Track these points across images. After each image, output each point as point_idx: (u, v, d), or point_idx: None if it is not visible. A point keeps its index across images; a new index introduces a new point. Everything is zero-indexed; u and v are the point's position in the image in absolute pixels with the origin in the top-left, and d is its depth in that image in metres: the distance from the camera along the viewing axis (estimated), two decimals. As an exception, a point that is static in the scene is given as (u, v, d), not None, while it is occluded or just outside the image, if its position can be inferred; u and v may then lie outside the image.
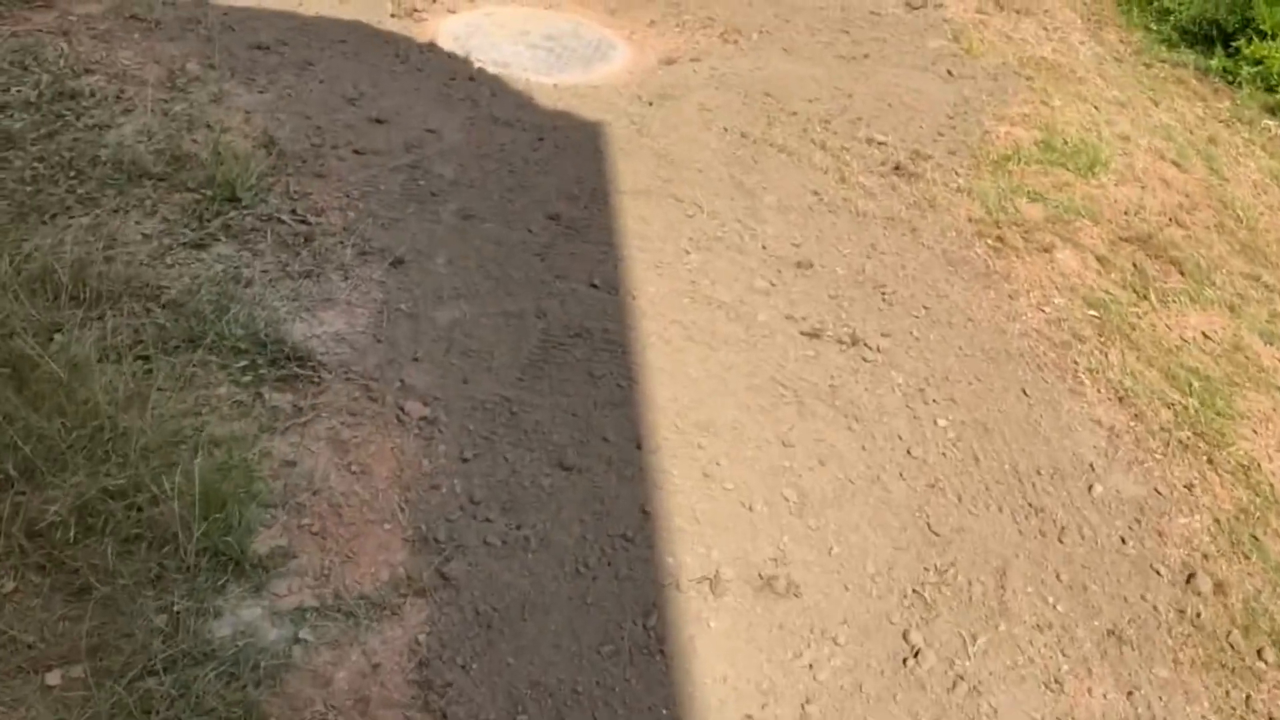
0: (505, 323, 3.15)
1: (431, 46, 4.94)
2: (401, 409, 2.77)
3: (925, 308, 3.53)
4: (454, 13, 5.45)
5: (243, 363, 2.79)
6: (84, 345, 2.71)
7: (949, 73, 5.52)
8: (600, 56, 5.33)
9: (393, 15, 5.14)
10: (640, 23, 5.71)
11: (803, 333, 3.30)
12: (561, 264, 3.45)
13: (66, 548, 2.19)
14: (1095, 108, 5.46)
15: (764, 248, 3.72)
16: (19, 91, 3.79)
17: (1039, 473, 2.92)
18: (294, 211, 3.43)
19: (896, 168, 4.44)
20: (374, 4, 5.17)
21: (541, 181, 3.88)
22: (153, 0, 4.63)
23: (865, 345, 3.29)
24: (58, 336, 2.75)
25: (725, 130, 4.50)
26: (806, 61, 5.34)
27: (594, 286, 3.37)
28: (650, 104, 4.65)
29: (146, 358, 2.74)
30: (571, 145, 4.16)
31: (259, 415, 2.66)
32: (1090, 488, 2.91)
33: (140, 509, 2.29)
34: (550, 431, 2.77)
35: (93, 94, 3.86)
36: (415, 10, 5.29)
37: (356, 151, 3.85)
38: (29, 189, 3.29)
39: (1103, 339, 3.55)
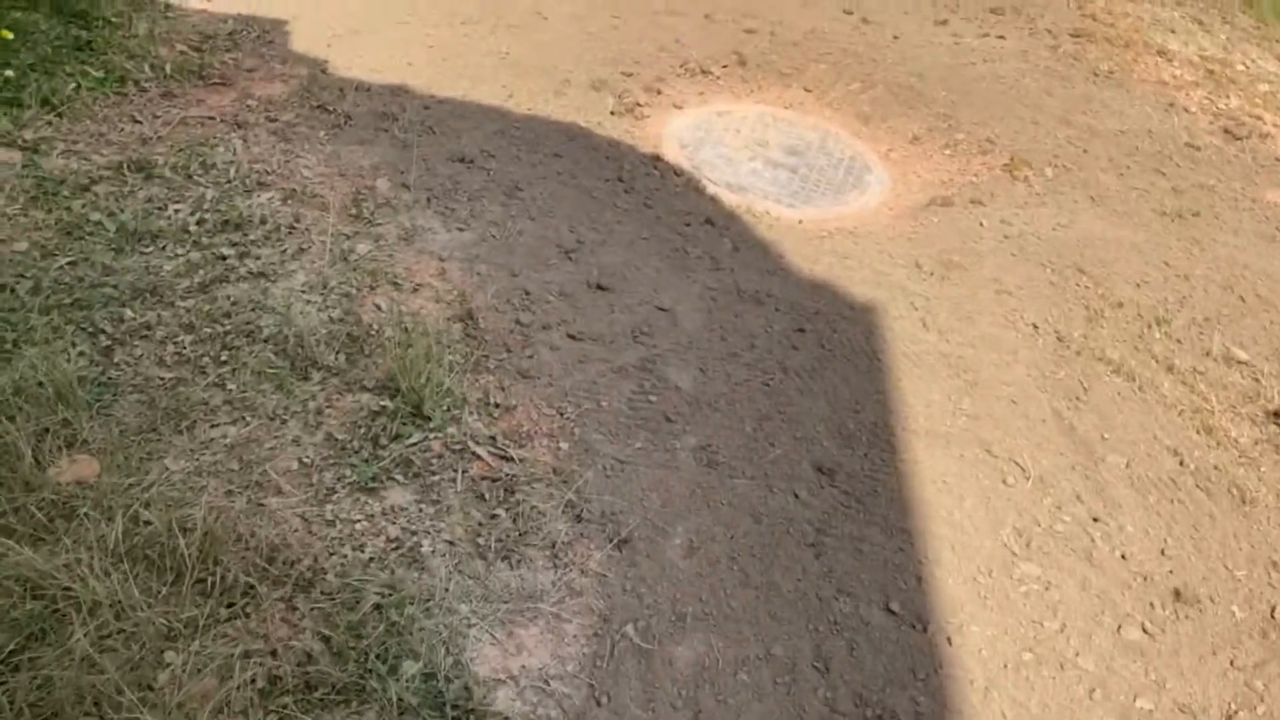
0: (771, 680, 2.18)
1: (657, 161, 4.03)
2: None
3: (1383, 709, 2.37)
4: (680, 109, 4.54)
5: (412, 736, 1.93)
6: (202, 683, 1.92)
7: (1305, 246, 4.23)
8: (853, 182, 4.31)
9: (613, 113, 4.26)
10: (900, 137, 4.65)
11: (1208, 745, 2.21)
12: (843, 565, 2.46)
13: None
14: None
15: (1123, 557, 2.62)
16: (177, 212, 3.09)
17: None
18: (493, 440, 2.57)
19: (1276, 414, 3.24)
20: (592, 99, 4.31)
21: (807, 406, 2.89)
22: (344, 85, 3.90)
23: (1308, 784, 2.17)
24: (169, 656, 1.96)
25: (1035, 329, 3.41)
26: (1121, 218, 4.16)
27: (890, 612, 2.37)
28: (931, 274, 3.60)
29: (282, 712, 1.92)
30: (840, 344, 3.16)
31: (428, 846, 1.79)
32: None
33: None
34: None
35: (262, 221, 3.12)
36: (637, 105, 4.40)
37: (572, 336, 2.97)
38: (169, 377, 2.55)
39: None
